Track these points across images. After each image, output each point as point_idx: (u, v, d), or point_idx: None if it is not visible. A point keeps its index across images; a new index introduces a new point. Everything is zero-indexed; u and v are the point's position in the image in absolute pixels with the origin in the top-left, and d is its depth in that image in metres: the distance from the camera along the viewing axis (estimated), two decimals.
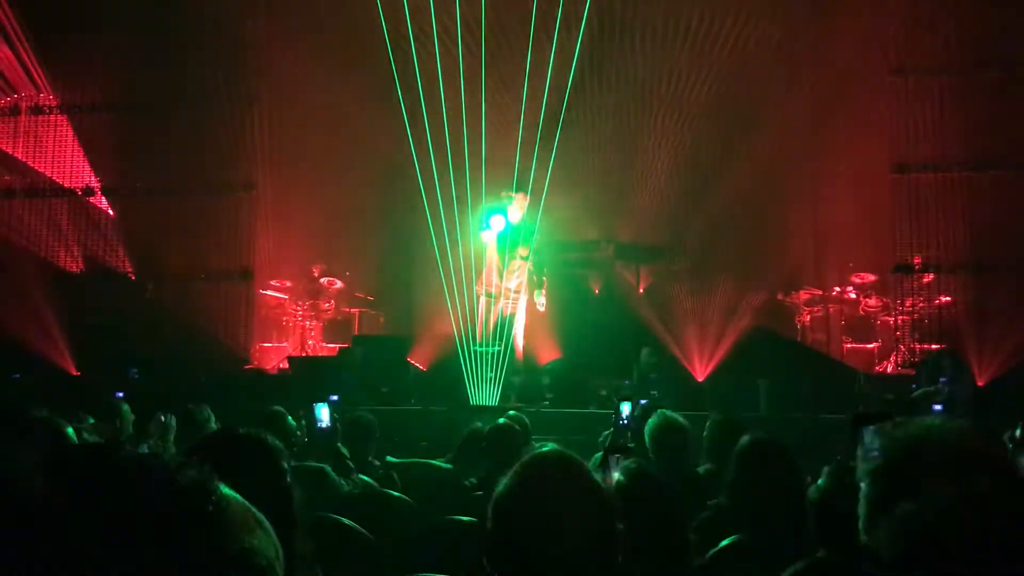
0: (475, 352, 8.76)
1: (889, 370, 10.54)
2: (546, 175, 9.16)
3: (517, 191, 9.30)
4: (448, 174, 8.96)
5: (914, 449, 1.43)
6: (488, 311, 9.32)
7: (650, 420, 4.33)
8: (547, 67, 9.44)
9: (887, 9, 10.40)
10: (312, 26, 11.18)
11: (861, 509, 1.45)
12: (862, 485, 1.46)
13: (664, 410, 4.44)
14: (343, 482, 4.25)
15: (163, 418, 4.94)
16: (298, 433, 4.87)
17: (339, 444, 4.67)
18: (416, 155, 8.91)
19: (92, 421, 5.42)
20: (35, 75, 11.98)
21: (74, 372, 10.35)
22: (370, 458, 5.03)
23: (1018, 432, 4.01)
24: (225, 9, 10.99)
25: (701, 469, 4.34)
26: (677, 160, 11.55)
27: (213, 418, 5.27)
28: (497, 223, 9.20)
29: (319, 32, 11.13)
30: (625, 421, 5.11)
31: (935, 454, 1.40)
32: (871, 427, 1.51)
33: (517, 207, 9.33)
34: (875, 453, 1.46)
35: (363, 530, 3.23)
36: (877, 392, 8.15)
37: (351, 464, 4.52)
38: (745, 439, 3.19)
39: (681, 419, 4.30)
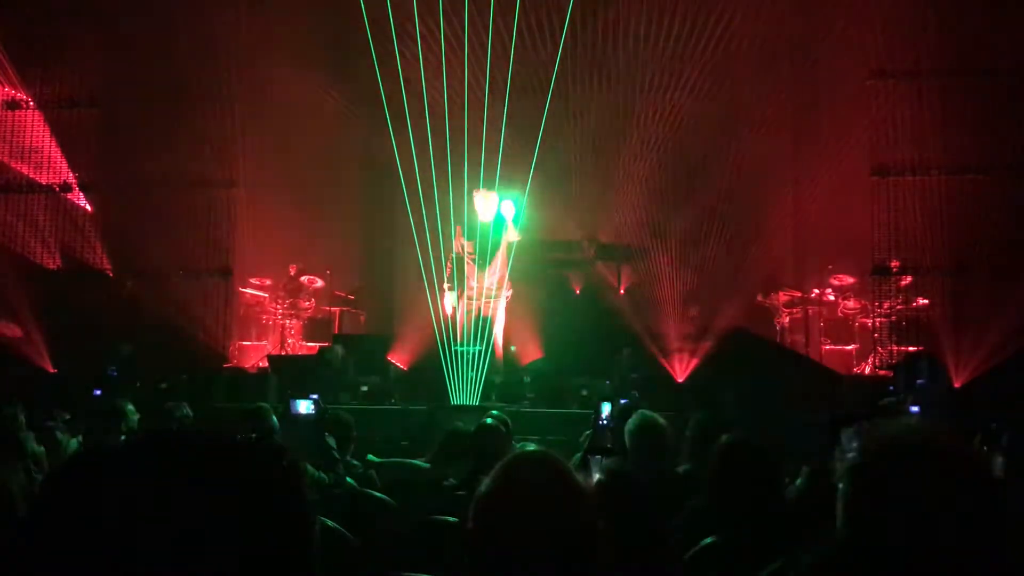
0: (456, 352, 8.76)
1: (867, 371, 10.63)
2: (528, 175, 9.18)
3: (486, 188, 9.36)
4: (430, 173, 8.96)
5: (891, 450, 1.44)
6: (467, 311, 9.33)
7: (630, 420, 4.33)
8: (530, 67, 9.46)
9: (866, 14, 10.47)
10: (294, 24, 11.12)
11: (839, 509, 1.46)
12: (840, 485, 1.48)
13: (644, 410, 4.44)
14: (322, 475, 4.22)
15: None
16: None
17: (326, 434, 4.63)
18: (397, 154, 8.90)
19: (68, 418, 5.40)
20: (10, 70, 11.84)
21: (51, 370, 10.25)
22: (348, 457, 5.01)
23: (1004, 440, 4.04)
24: (206, 5, 10.92)
25: (680, 469, 4.34)
26: (658, 161, 11.59)
27: (192, 416, 5.24)
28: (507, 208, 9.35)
29: (301, 30, 11.07)
30: (605, 421, 5.11)
31: (911, 455, 1.42)
32: (849, 428, 1.53)
33: (489, 204, 9.39)
34: (853, 454, 1.47)
35: (343, 530, 3.22)
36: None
37: (336, 455, 4.49)
38: (724, 439, 3.20)
39: (660, 419, 4.31)
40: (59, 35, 11.54)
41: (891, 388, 8.52)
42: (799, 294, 11.52)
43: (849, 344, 11.17)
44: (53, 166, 12.05)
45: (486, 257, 9.36)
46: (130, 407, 5.25)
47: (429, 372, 8.83)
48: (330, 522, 3.20)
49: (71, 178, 12.05)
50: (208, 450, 0.93)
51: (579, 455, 4.57)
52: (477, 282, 9.40)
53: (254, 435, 4.51)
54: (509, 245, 9.51)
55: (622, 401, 5.65)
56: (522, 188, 9.37)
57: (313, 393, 5.37)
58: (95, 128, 11.94)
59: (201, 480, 0.89)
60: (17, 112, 12.10)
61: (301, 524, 0.94)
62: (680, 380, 9.30)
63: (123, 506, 0.85)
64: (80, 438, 5.10)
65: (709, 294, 10.82)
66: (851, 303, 11.16)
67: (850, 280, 11.24)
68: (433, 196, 9.01)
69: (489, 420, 4.75)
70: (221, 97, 11.33)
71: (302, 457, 4.30)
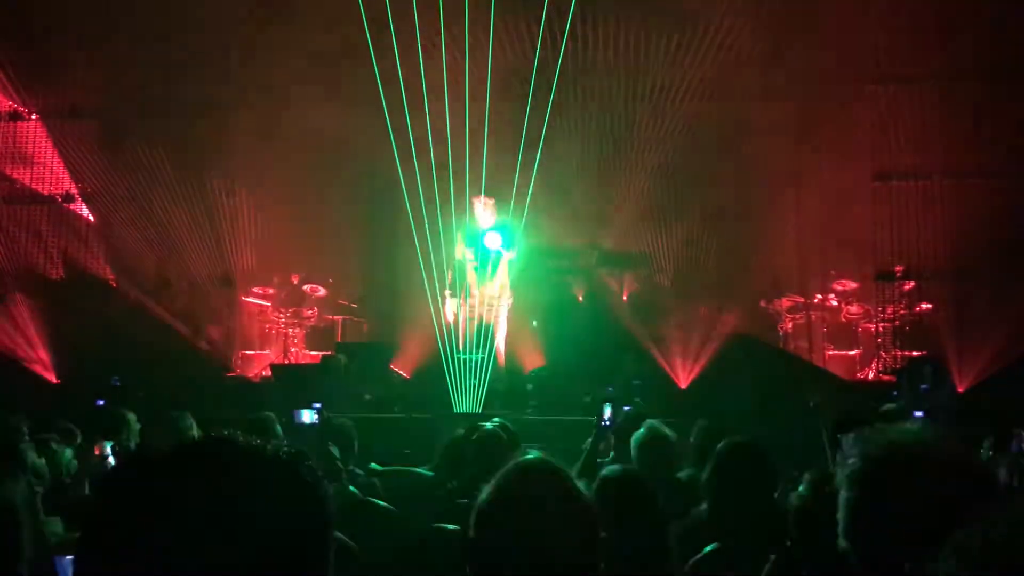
0: (458, 359, 8.75)
1: (870, 377, 10.61)
2: (530, 183, 9.19)
3: (487, 196, 9.38)
4: (431, 181, 8.96)
5: (892, 456, 1.44)
6: (469, 318, 9.33)
7: (637, 432, 4.32)
8: (531, 76, 9.47)
9: (868, 20, 10.47)
10: (295, 35, 11.14)
11: (840, 515, 1.46)
12: (841, 492, 1.47)
13: (652, 421, 4.43)
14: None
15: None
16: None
17: (329, 443, 4.63)
18: (399, 163, 8.91)
19: (71, 428, 5.40)
20: (11, 81, 11.86)
21: (54, 380, 10.26)
22: (351, 466, 5.00)
23: (1014, 446, 4.03)
24: (209, 16, 10.94)
25: (683, 475, 4.34)
26: (661, 167, 11.58)
27: (195, 425, 5.23)
28: (492, 241, 9.29)
29: (302, 41, 11.09)
30: (607, 423, 5.12)
31: (913, 461, 1.41)
32: (851, 434, 1.52)
33: (489, 211, 9.41)
34: (854, 460, 1.47)
35: (346, 539, 3.21)
36: None
37: (340, 464, 4.48)
38: (723, 444, 3.20)
39: (668, 431, 4.30)
40: (61, 45, 11.56)
41: (895, 393, 8.50)
42: (802, 299, 11.48)
43: (852, 349, 11.14)
44: (55, 176, 12.07)
45: (487, 265, 9.36)
46: (132, 416, 5.25)
47: (432, 380, 8.82)
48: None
49: (73, 188, 12.07)
50: (240, 456, 0.98)
51: (579, 464, 4.57)
52: (479, 289, 9.39)
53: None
54: (508, 263, 9.51)
55: (625, 407, 5.65)
56: (521, 198, 9.37)
57: (316, 402, 5.37)
58: (97, 138, 11.96)
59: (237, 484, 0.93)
60: (19, 123, 12.13)
61: (321, 525, 1.00)
62: (683, 386, 9.29)
63: (166, 508, 0.90)
64: (75, 449, 5.10)
65: (712, 300, 10.80)
66: (854, 308, 11.13)
67: (853, 285, 11.21)
68: (435, 203, 9.01)
69: (489, 426, 4.75)
70: (223, 107, 11.35)
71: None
